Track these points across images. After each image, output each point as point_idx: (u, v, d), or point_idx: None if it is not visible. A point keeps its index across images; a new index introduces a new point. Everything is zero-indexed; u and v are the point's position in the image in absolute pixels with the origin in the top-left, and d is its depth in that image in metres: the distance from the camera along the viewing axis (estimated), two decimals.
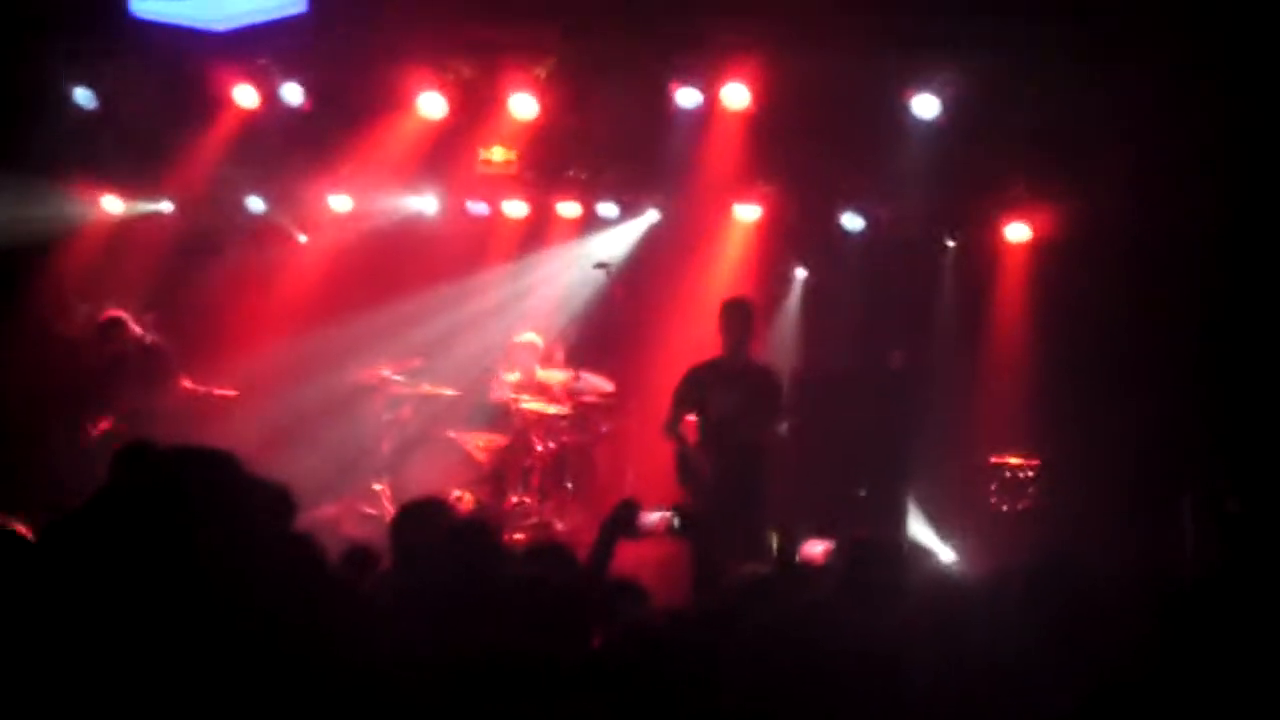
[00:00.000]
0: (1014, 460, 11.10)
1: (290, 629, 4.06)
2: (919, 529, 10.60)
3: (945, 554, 10.11)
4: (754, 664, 2.76)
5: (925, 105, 10.64)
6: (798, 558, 4.78)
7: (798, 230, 12.60)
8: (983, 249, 12.11)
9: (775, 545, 4.77)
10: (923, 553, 6.29)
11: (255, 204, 13.23)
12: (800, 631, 2.68)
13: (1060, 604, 4.09)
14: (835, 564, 4.83)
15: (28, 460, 10.84)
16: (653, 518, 5.25)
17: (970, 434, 11.47)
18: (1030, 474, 11.03)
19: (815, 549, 4.75)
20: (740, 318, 9.71)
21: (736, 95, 11.02)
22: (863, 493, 11.06)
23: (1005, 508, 10.96)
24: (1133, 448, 10.65)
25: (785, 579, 4.64)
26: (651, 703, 4.16)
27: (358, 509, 11.59)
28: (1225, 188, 10.38)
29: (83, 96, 11.55)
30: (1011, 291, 11.87)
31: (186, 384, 12.07)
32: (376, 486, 11.79)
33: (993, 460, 11.20)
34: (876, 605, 3.86)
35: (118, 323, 11.99)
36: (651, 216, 13.11)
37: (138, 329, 12.01)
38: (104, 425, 11.50)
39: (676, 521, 5.19)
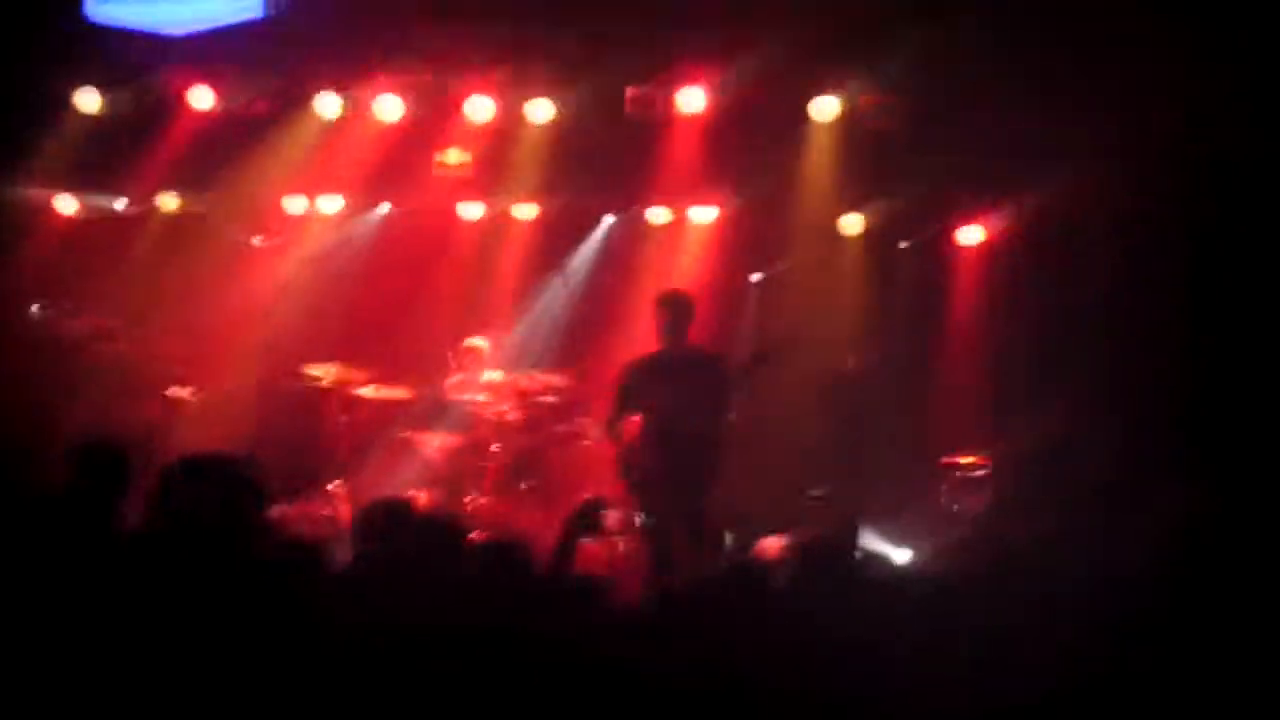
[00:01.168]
0: (965, 460, 11.21)
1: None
2: (874, 529, 10.66)
3: (900, 553, 10.19)
4: (710, 658, 2.82)
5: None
6: (752, 554, 4.83)
7: (754, 232, 12.68)
8: (936, 250, 12.28)
9: (728, 542, 4.78)
10: (875, 554, 6.32)
11: (209, 206, 13.26)
12: (755, 626, 2.75)
13: (1006, 601, 4.17)
14: (789, 561, 4.91)
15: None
16: (617, 517, 5.30)
17: (923, 434, 11.59)
18: (983, 473, 11.14)
19: (770, 546, 4.81)
20: (676, 309, 9.50)
21: (692, 99, 11.19)
22: (817, 493, 11.13)
23: (957, 507, 11.07)
24: (1091, 445, 10.76)
25: (739, 575, 4.72)
26: (615, 692, 4.24)
27: (313, 510, 11.57)
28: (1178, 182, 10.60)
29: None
30: (965, 292, 12.02)
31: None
32: (331, 487, 11.78)
33: (944, 460, 11.31)
34: (829, 601, 3.94)
35: (109, 331, 12.04)
36: (608, 220, 13.24)
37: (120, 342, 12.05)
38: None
39: (646, 521, 5.23)
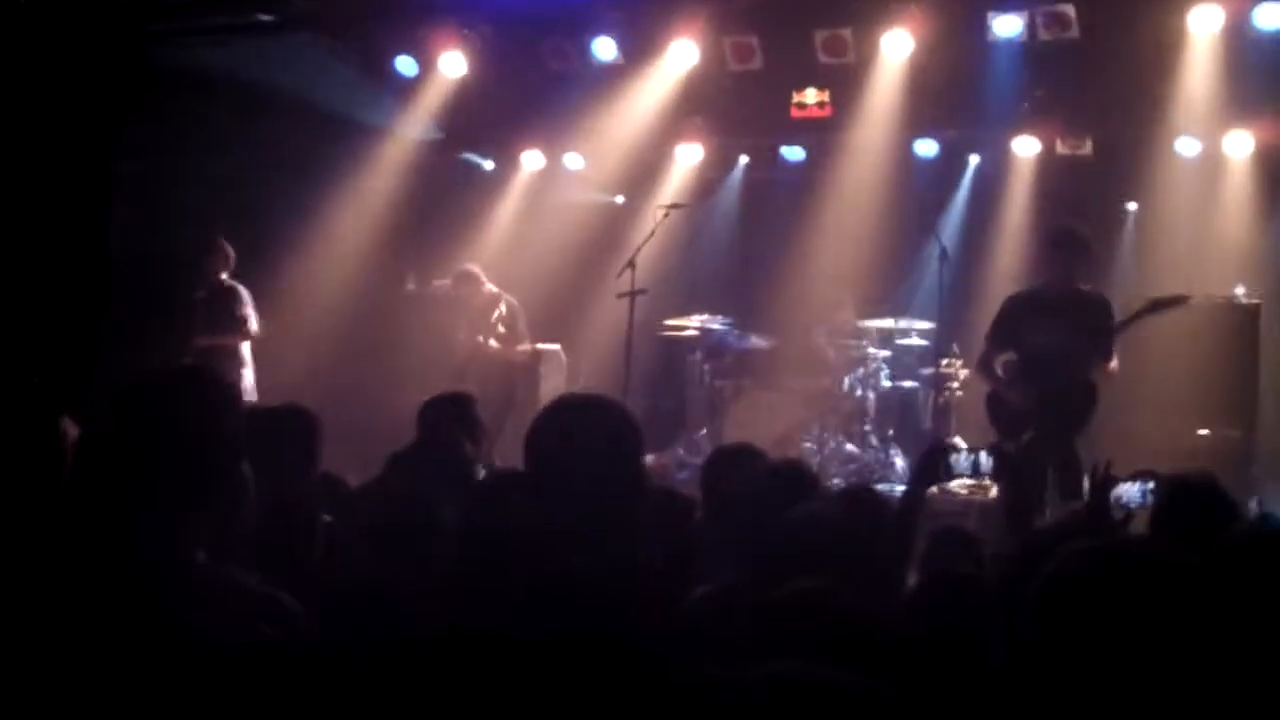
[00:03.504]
0: None
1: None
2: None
3: None
4: (1056, 609, 2.56)
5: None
6: (1113, 499, 4.49)
7: (1127, 161, 12.03)
8: None
9: (1089, 485, 4.49)
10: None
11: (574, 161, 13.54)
12: (1107, 575, 2.47)
13: None
14: (1153, 505, 4.56)
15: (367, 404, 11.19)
16: (964, 460, 5.01)
17: None
18: None
19: (1133, 490, 4.47)
20: (1069, 246, 8.85)
21: (1058, 21, 10.61)
22: (1204, 432, 10.47)
23: None
24: None
25: (1098, 521, 4.39)
26: (962, 650, 4.01)
27: (683, 458, 11.66)
28: None
29: (404, 64, 12.04)
30: None
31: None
32: (699, 435, 11.83)
33: None
34: (1191, 547, 3.60)
35: (472, 276, 12.37)
36: (974, 160, 12.86)
37: (489, 286, 12.35)
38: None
39: (988, 463, 4.93)
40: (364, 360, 12.34)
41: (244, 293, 10.97)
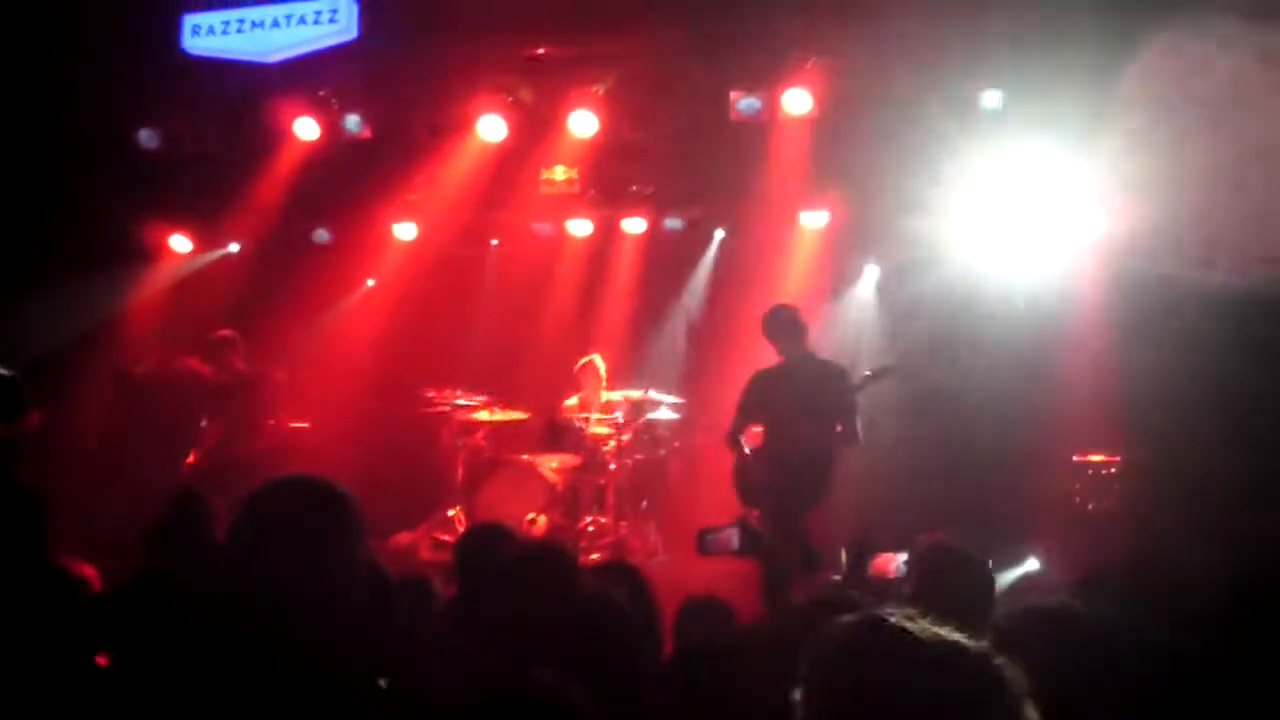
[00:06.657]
0: (1097, 458, 10.80)
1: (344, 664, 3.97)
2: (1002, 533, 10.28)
3: (1029, 559, 9.83)
4: (817, 682, 2.58)
5: (991, 99, 10.50)
6: (869, 570, 4.60)
7: (867, 234, 12.40)
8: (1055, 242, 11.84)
9: (845, 557, 4.56)
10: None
11: (321, 236, 13.25)
12: (870, 647, 2.51)
13: (1149, 606, 3.91)
14: (908, 575, 4.66)
15: (110, 498, 10.71)
16: (718, 536, 5.06)
17: (1052, 433, 11.15)
18: (1114, 471, 10.74)
19: (889, 561, 4.57)
20: (779, 324, 9.38)
21: (798, 101, 10.87)
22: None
23: (1090, 506, 10.67)
24: (1222, 443, 10.27)
25: (856, 592, 4.48)
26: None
27: (433, 536, 11.52)
28: None
29: (145, 137, 11.65)
30: (1088, 284, 11.52)
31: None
32: (451, 513, 11.70)
33: (1076, 459, 10.91)
34: (951, 616, 3.69)
35: (228, 343, 12.02)
36: (719, 235, 13.06)
37: (240, 359, 12.04)
38: (192, 460, 11.56)
39: (736, 540, 5.00)
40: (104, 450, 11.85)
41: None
